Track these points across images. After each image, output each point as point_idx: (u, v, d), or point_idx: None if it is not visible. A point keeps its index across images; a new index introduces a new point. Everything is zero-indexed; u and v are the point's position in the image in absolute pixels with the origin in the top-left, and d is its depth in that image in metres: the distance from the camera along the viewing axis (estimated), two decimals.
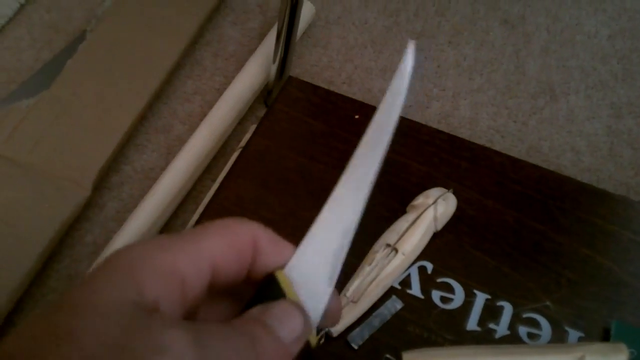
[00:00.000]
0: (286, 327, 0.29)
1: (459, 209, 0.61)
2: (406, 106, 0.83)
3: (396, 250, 0.57)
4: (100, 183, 0.74)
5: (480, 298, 0.58)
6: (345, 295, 0.56)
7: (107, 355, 0.23)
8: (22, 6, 0.88)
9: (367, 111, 0.68)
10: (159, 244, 0.27)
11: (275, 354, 0.28)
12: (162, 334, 0.24)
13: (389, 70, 0.84)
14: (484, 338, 0.56)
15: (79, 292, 0.25)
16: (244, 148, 0.67)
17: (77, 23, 0.87)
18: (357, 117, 0.68)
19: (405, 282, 0.59)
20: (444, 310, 0.57)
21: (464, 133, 0.78)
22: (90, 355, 0.23)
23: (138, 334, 0.23)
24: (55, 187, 0.69)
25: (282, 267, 0.31)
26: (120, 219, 0.71)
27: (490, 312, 0.57)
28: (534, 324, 0.57)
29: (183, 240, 0.28)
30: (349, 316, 0.56)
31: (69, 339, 0.23)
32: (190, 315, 0.28)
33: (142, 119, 0.79)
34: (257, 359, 0.27)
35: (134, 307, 0.24)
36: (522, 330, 0.56)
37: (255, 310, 0.29)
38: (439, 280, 0.59)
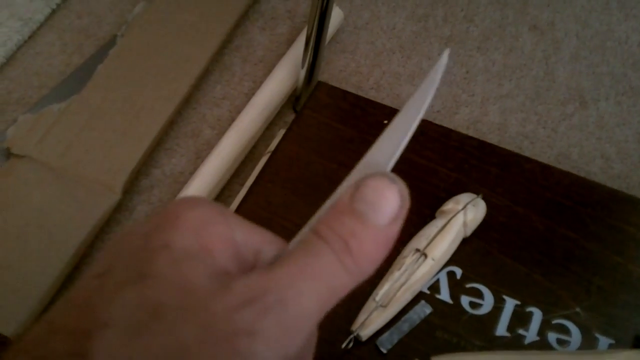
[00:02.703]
0: (382, 210, 0.26)
1: (488, 215, 0.61)
2: (435, 112, 0.83)
3: (425, 256, 0.57)
4: (130, 187, 0.74)
5: (510, 304, 0.58)
6: (374, 299, 0.56)
7: (195, 334, 0.22)
8: (53, 11, 0.89)
9: None
10: (215, 208, 0.27)
11: (376, 245, 0.25)
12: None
13: (417, 76, 0.84)
14: (513, 344, 0.56)
15: (162, 258, 0.24)
16: (273, 153, 0.68)
17: (107, 28, 0.88)
18: (385, 122, 0.68)
19: (435, 287, 0.58)
20: (473, 315, 0.57)
21: (492, 139, 0.78)
22: (180, 333, 0.22)
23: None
24: (86, 191, 0.70)
25: None
26: (152, 214, 0.72)
27: (520, 318, 0.57)
28: (564, 330, 0.56)
29: (233, 215, 0.27)
30: (378, 321, 0.56)
31: (160, 316, 0.23)
32: None
33: (172, 124, 0.79)
34: (357, 263, 0.25)
35: (215, 279, 0.24)
36: (552, 336, 0.56)
37: (339, 200, 0.26)
38: (468, 285, 0.59)
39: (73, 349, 0.23)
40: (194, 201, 0.27)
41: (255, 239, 0.27)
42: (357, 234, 0.25)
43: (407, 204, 0.26)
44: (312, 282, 0.24)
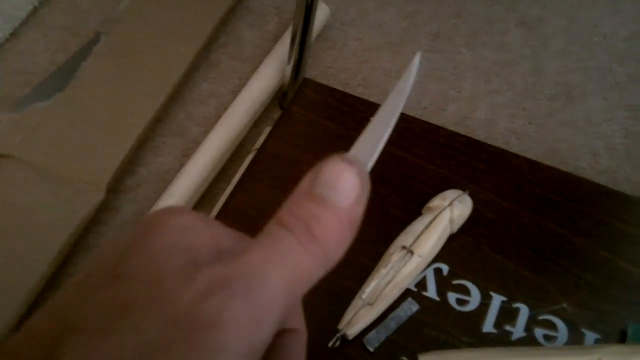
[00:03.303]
0: (343, 191, 0.25)
1: (476, 211, 0.61)
2: (422, 108, 0.83)
3: (412, 253, 0.57)
4: (116, 186, 0.74)
5: (497, 300, 0.57)
6: (361, 297, 0.56)
7: (163, 332, 0.22)
8: (36, 9, 0.88)
9: None
10: (199, 216, 0.27)
11: (339, 227, 0.25)
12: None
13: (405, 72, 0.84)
14: (501, 340, 0.56)
15: (136, 260, 0.24)
16: (259, 150, 0.67)
17: (92, 25, 0.87)
18: (372, 119, 0.68)
19: (421, 285, 0.58)
20: (460, 312, 0.57)
21: (480, 135, 0.78)
22: (148, 332, 0.22)
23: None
24: (70, 190, 0.69)
25: None
26: (136, 222, 0.71)
27: (507, 315, 0.57)
28: (551, 326, 0.56)
29: (217, 222, 0.27)
30: (365, 319, 0.55)
31: (128, 314, 0.22)
32: None
33: (158, 122, 0.79)
34: (321, 246, 0.25)
35: (182, 272, 0.24)
36: (539, 332, 0.56)
37: (299, 186, 0.26)
38: (455, 282, 0.58)
39: (45, 355, 0.22)
40: (177, 209, 0.27)
41: (241, 244, 0.27)
42: (319, 218, 0.25)
43: (367, 184, 0.26)
44: (276, 268, 0.24)
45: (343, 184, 0.25)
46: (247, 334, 0.23)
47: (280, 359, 0.29)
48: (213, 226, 0.27)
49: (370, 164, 0.28)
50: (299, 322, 0.31)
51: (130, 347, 0.22)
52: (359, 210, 0.26)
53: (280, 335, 0.29)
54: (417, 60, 0.29)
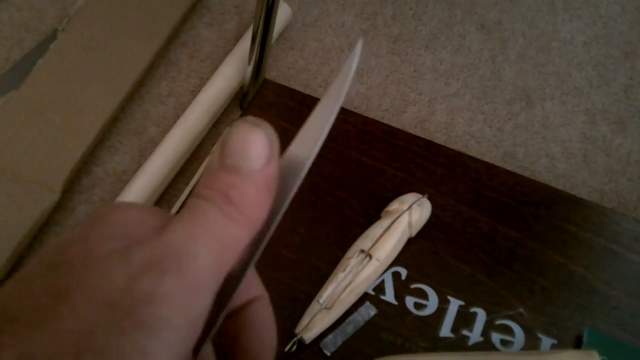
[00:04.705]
0: (252, 155, 0.25)
1: (434, 215, 0.61)
2: (383, 110, 0.83)
3: (370, 256, 0.57)
4: (71, 186, 0.72)
5: (454, 305, 0.58)
6: (318, 301, 0.56)
7: (99, 313, 0.22)
8: None
9: (343, 115, 0.68)
10: (149, 209, 0.27)
11: (257, 191, 0.25)
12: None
13: (366, 74, 0.84)
14: (458, 345, 0.56)
15: (75, 249, 0.24)
16: None
17: (48, 22, 0.86)
18: None
19: (380, 288, 0.58)
20: (417, 316, 0.57)
21: (439, 138, 0.78)
22: (84, 315, 0.22)
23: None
24: (24, 190, 0.68)
25: None
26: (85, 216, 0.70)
27: (464, 319, 0.57)
28: (507, 331, 0.56)
29: (167, 213, 0.27)
30: (322, 323, 0.55)
31: (64, 299, 0.22)
32: None
33: (115, 121, 0.78)
34: (243, 212, 0.25)
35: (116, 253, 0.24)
36: (495, 337, 0.56)
37: (210, 161, 0.26)
38: (413, 286, 0.59)
39: None
40: (127, 203, 0.27)
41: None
42: (235, 185, 0.25)
43: (276, 143, 0.26)
44: (203, 240, 0.24)
45: (252, 150, 0.25)
46: (183, 307, 0.23)
47: (252, 330, 0.30)
48: (163, 218, 0.26)
49: (312, 156, 0.28)
50: (258, 289, 0.31)
51: (68, 330, 0.22)
52: (273, 170, 0.26)
53: (245, 307, 0.30)
54: (359, 47, 0.28)
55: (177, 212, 0.63)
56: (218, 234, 0.25)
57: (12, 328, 0.22)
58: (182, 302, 0.23)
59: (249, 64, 0.76)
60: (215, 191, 0.25)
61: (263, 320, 0.30)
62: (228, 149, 0.25)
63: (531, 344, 0.56)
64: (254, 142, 0.26)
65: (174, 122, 0.75)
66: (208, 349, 0.29)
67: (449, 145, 0.68)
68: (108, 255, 0.24)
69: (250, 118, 0.26)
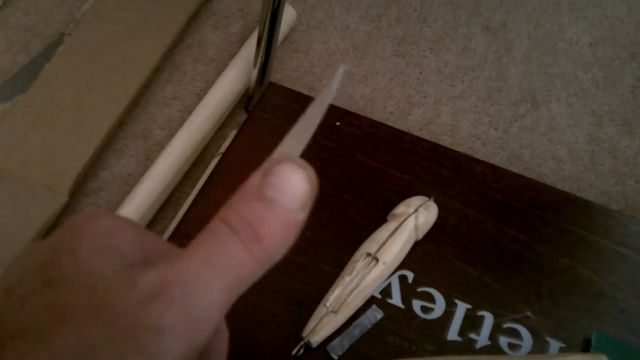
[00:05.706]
0: (291, 195, 0.25)
1: (440, 218, 0.61)
2: (388, 113, 0.83)
3: (377, 260, 0.57)
4: (78, 189, 0.73)
5: (461, 308, 0.57)
6: (325, 305, 0.56)
7: (102, 333, 0.22)
8: None
9: (348, 118, 0.68)
10: (120, 217, 0.27)
11: (284, 231, 0.25)
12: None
13: (371, 76, 0.84)
14: (465, 348, 0.56)
15: (67, 264, 0.24)
16: (224, 155, 0.67)
17: (55, 26, 0.86)
18: (338, 124, 0.68)
19: (386, 292, 0.58)
20: (424, 320, 0.57)
21: (445, 140, 0.78)
22: (85, 333, 0.22)
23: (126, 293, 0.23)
24: (31, 194, 0.68)
25: None
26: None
27: (471, 322, 0.57)
28: (515, 334, 0.56)
29: (141, 226, 0.28)
30: (328, 326, 0.55)
31: (65, 317, 0.22)
32: None
33: (121, 124, 0.78)
34: (265, 248, 0.25)
35: (120, 274, 0.24)
36: (503, 340, 0.56)
37: (247, 185, 0.26)
38: (419, 289, 0.58)
39: None
40: (98, 212, 0.27)
41: (164, 247, 0.28)
42: (266, 219, 0.25)
43: (315, 190, 0.26)
44: (218, 273, 0.24)
45: (293, 189, 0.25)
46: (186, 339, 0.23)
47: (209, 355, 0.29)
48: (134, 226, 0.27)
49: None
50: (221, 323, 0.31)
51: (71, 347, 0.22)
52: (304, 216, 0.26)
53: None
54: (341, 72, 0.29)
55: (182, 218, 0.63)
56: (234, 267, 0.24)
57: (13, 344, 0.22)
58: (187, 335, 0.23)
59: (254, 66, 0.76)
60: (244, 220, 0.25)
61: (220, 352, 0.30)
62: (270, 179, 0.25)
63: (539, 348, 0.56)
64: (299, 183, 0.25)
65: (180, 125, 0.75)
66: None
67: (454, 148, 0.68)
68: (111, 275, 0.24)
69: (298, 159, 0.26)
